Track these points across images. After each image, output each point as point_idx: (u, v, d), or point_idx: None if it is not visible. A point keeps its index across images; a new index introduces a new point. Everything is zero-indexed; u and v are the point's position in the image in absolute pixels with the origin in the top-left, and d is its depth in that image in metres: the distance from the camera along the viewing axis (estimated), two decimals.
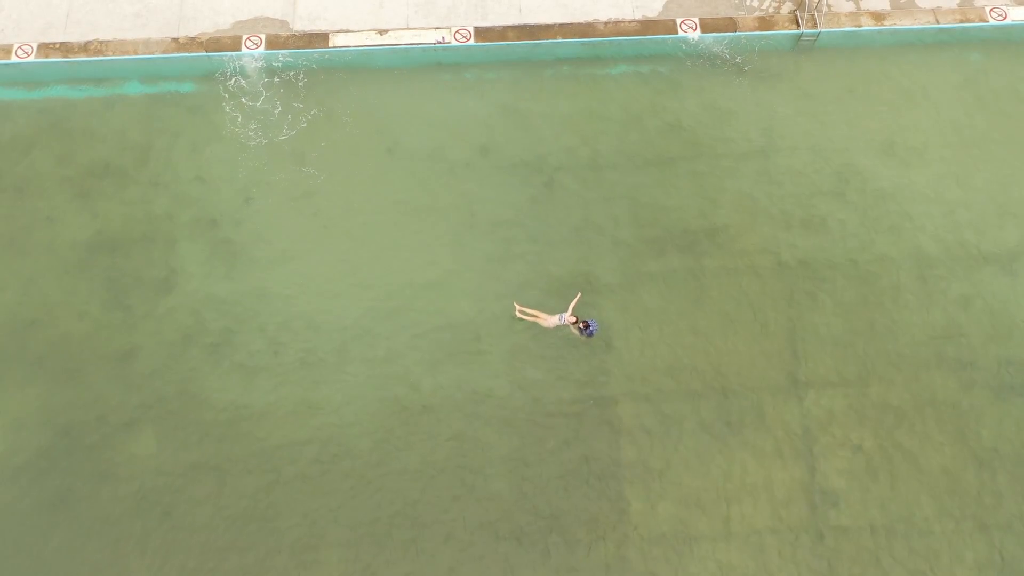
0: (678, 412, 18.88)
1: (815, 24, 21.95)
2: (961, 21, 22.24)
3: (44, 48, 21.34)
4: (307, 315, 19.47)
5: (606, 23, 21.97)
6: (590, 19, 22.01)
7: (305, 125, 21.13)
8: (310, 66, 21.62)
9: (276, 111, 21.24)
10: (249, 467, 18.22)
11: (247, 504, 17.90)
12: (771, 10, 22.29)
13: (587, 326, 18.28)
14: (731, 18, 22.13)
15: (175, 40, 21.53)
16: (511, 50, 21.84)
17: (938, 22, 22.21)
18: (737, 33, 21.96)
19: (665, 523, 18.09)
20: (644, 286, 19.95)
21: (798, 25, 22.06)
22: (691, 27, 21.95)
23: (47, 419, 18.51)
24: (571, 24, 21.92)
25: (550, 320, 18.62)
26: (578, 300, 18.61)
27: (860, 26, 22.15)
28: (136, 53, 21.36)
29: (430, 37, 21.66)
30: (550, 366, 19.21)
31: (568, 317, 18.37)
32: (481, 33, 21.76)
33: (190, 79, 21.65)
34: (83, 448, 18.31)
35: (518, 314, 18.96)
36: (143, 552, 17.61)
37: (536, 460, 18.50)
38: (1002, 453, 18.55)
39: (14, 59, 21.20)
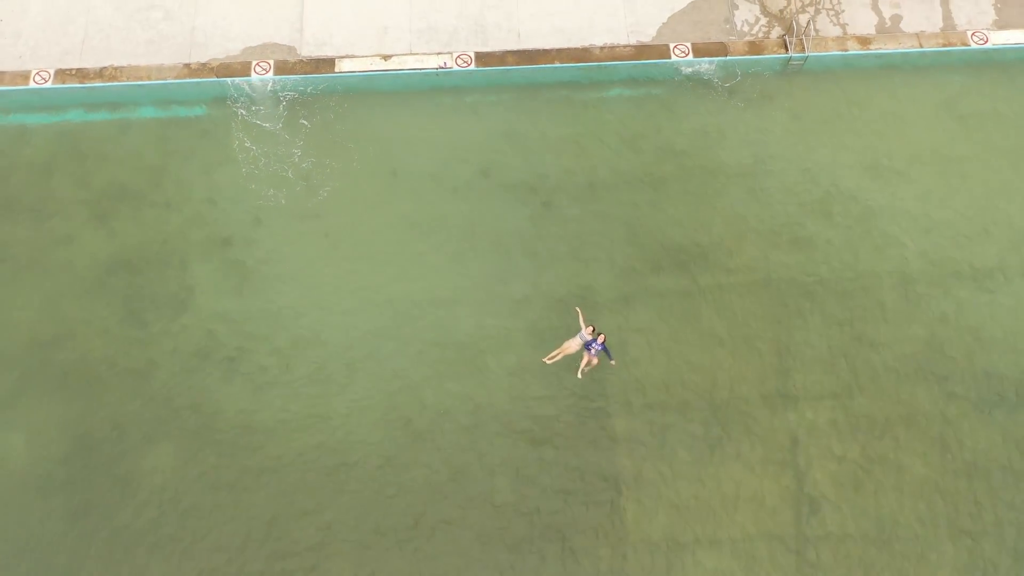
0: (671, 424, 19.74)
1: (803, 48, 22.81)
2: (944, 45, 23.10)
3: (61, 74, 22.19)
4: (315, 332, 20.32)
5: (602, 48, 22.82)
6: (586, 44, 22.86)
7: (312, 147, 21.97)
8: (317, 90, 22.46)
9: (284, 134, 22.07)
10: (261, 477, 19.08)
11: (259, 512, 18.75)
12: (761, 35, 23.13)
13: (603, 341, 19.22)
14: (722, 43, 22.98)
15: (187, 66, 22.38)
16: (510, 74, 22.71)
17: (922, 46, 23.07)
18: (728, 57, 22.82)
19: (659, 530, 18.95)
20: (639, 303, 20.80)
21: (787, 49, 22.91)
22: (684, 52, 22.81)
23: (69, 431, 19.37)
24: (568, 49, 22.78)
25: (573, 344, 19.49)
26: (581, 315, 19.50)
27: (847, 50, 23.02)
28: (149, 78, 22.22)
29: (432, 62, 22.52)
30: (549, 380, 20.06)
31: (585, 332, 19.25)
32: (482, 58, 22.61)
33: (201, 103, 22.51)
34: (103, 459, 19.17)
35: (548, 362, 19.77)
36: (160, 557, 18.47)
37: (535, 470, 19.36)
38: (981, 463, 19.41)
39: (32, 85, 22.06)
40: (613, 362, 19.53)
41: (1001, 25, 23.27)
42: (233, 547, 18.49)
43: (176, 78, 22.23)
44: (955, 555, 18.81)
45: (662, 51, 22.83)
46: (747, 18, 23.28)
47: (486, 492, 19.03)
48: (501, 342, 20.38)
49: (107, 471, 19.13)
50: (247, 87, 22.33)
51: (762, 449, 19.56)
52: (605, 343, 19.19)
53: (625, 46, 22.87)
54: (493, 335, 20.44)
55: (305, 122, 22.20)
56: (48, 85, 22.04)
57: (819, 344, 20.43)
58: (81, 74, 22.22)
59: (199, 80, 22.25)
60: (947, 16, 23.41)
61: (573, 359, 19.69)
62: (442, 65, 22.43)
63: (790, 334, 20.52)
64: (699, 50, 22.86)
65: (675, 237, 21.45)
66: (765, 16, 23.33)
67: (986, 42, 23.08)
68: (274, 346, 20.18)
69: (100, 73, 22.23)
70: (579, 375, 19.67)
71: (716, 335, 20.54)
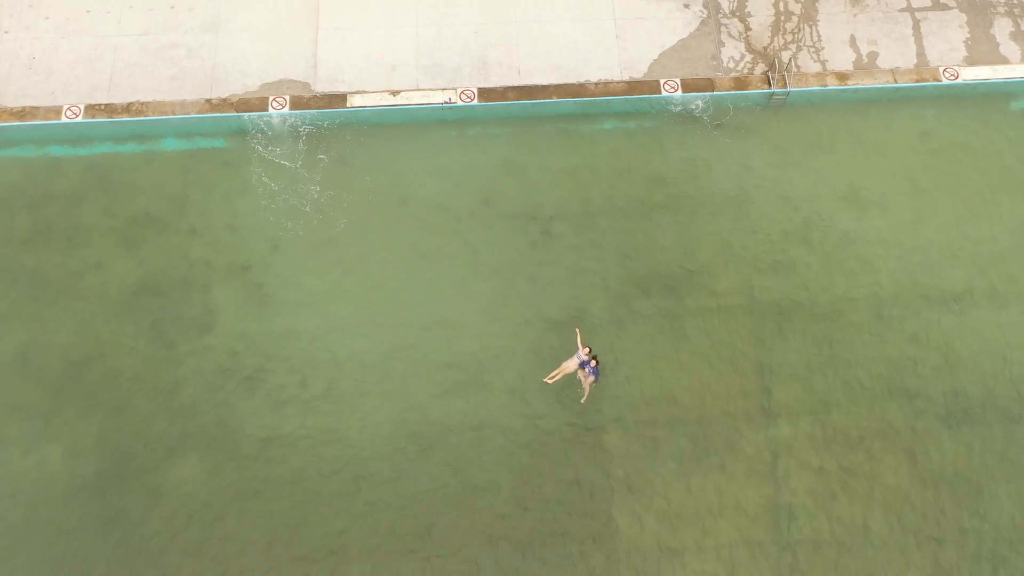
0: (660, 437, 21.27)
1: (785, 84, 24.33)
2: (917, 81, 24.63)
3: (91, 109, 23.70)
4: (330, 352, 21.83)
5: (596, 84, 24.35)
6: (582, 80, 24.38)
7: (326, 178, 23.47)
8: (330, 124, 23.96)
9: (300, 165, 23.58)
10: (280, 488, 20.60)
11: (279, 521, 20.29)
12: (745, 71, 24.67)
13: (595, 364, 20.74)
14: (709, 79, 24.52)
15: (208, 101, 23.89)
16: (511, 109, 24.21)
17: (896, 81, 24.61)
18: (715, 92, 24.34)
19: (649, 537, 20.48)
20: (631, 324, 22.33)
21: (770, 85, 24.44)
22: (673, 87, 24.34)
23: (102, 446, 20.88)
24: (565, 85, 24.29)
25: (571, 364, 21.04)
26: (579, 336, 21.02)
27: (826, 85, 24.54)
28: (173, 113, 23.72)
29: (438, 97, 24.04)
30: (547, 396, 21.56)
31: (582, 352, 20.78)
32: (484, 93, 24.13)
33: (222, 136, 24.00)
34: (134, 471, 20.69)
35: (549, 382, 21.32)
36: (188, 565, 19.97)
37: (534, 481, 20.88)
38: (947, 475, 20.96)
39: (64, 119, 23.55)
40: (596, 381, 21.08)
41: (971, 62, 24.80)
42: (255, 552, 20.01)
43: (198, 113, 23.72)
44: (922, 559, 20.34)
45: (653, 87, 24.35)
46: (733, 55, 24.82)
47: (490, 501, 20.56)
48: (503, 361, 21.88)
49: (138, 482, 20.64)
50: (265, 121, 23.83)
51: (745, 461, 21.09)
52: (597, 367, 20.72)
53: (618, 82, 24.40)
54: (495, 354, 21.94)
55: (319, 154, 23.68)
56: (79, 120, 23.52)
57: (798, 363, 21.95)
58: (109, 109, 23.73)
59: (219, 115, 23.69)
60: (920, 53, 24.95)
61: (571, 378, 21.23)
62: (447, 100, 23.95)
63: (771, 353, 22.03)
64: (688, 86, 24.39)
65: (665, 262, 22.96)
66: (750, 53, 24.86)
67: (957, 78, 24.61)
68: (292, 365, 21.68)
69: (127, 108, 23.74)
70: (583, 400, 21.23)
71: (702, 354, 22.06)
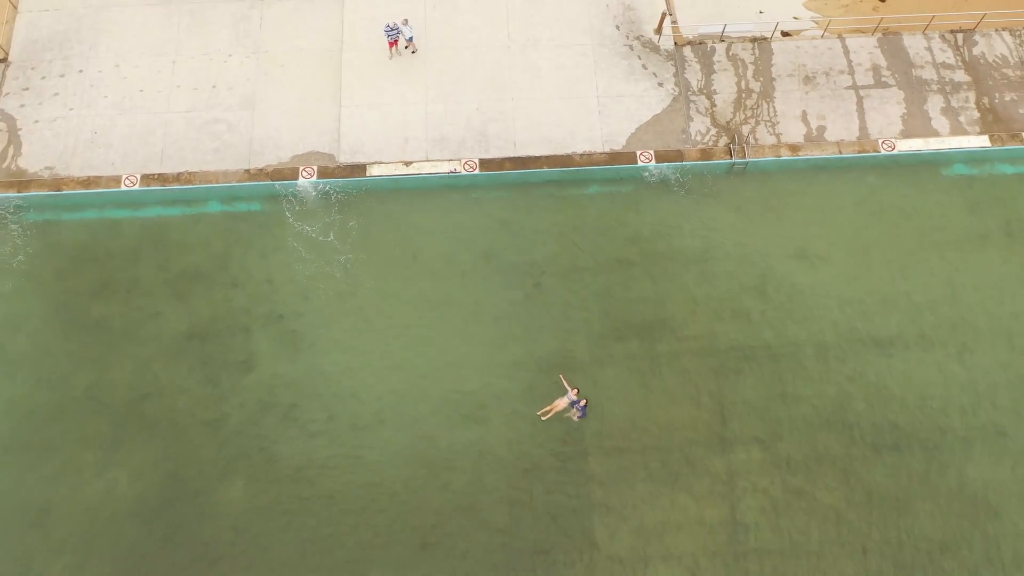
0: (633, 463, 24.99)
1: (744, 154, 28.14)
2: (860, 151, 28.45)
3: (146, 178, 27.51)
4: (353, 389, 25.58)
5: (581, 155, 28.17)
6: (569, 152, 28.20)
7: (348, 237, 27.26)
8: (352, 190, 27.77)
9: (326, 227, 27.36)
10: (312, 508, 24.31)
11: (312, 536, 24.00)
12: (711, 143, 28.49)
13: (583, 405, 24.41)
14: (679, 150, 28.33)
15: (247, 171, 27.69)
16: (508, 176, 28.03)
17: (841, 152, 28.42)
18: (684, 162, 28.13)
19: (623, 548, 24.18)
20: (610, 365, 26.07)
21: (731, 155, 28.25)
22: (648, 157, 28.15)
23: (160, 470, 24.61)
24: (554, 156, 28.12)
25: (562, 402, 24.72)
26: (564, 380, 24.70)
27: (780, 156, 28.36)
28: (217, 181, 27.52)
29: (445, 167, 27.84)
30: (538, 428, 25.29)
31: (571, 393, 24.48)
32: (484, 163, 27.95)
33: (259, 200, 27.79)
34: (188, 493, 24.41)
35: (543, 417, 25.00)
36: (235, 571, 23.65)
37: (527, 500, 24.59)
38: (876, 494, 24.68)
39: (123, 187, 27.35)
40: (583, 416, 24.74)
41: (906, 135, 28.62)
42: (292, 564, 23.71)
43: (238, 181, 27.54)
44: (854, 567, 24.02)
45: (630, 157, 28.17)
46: (700, 129, 28.64)
47: (488, 517, 24.27)
48: (500, 397, 25.61)
49: (191, 501, 24.35)
50: (296, 188, 27.62)
51: (705, 482, 24.80)
52: (586, 406, 24.45)
53: (600, 153, 28.20)
54: (494, 391, 25.66)
55: (342, 216, 27.48)
56: (136, 187, 27.33)
57: (752, 398, 25.69)
58: (162, 178, 27.54)
59: (257, 183, 27.53)
60: (863, 127, 28.77)
61: (561, 415, 24.96)
62: (453, 170, 27.76)
63: (729, 390, 25.76)
64: (660, 156, 28.20)
65: (639, 311, 26.73)
66: (715, 127, 28.69)
67: (893, 149, 28.43)
68: (321, 401, 25.41)
69: (177, 177, 27.55)
70: (571, 417, 24.96)
71: (670, 391, 25.81)
